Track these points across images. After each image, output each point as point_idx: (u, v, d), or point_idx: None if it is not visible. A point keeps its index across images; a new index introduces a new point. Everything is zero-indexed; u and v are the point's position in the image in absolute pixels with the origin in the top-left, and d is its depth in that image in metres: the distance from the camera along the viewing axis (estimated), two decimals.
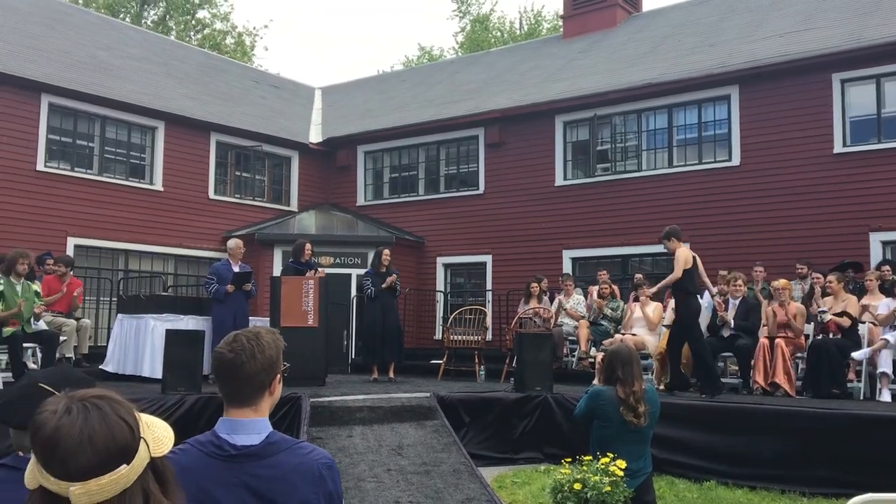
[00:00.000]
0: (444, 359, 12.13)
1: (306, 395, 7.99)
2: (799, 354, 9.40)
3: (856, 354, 8.87)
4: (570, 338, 11.93)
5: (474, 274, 16.50)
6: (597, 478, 4.47)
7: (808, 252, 11.69)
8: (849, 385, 9.01)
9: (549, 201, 15.25)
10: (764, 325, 9.62)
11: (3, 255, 9.86)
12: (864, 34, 12.67)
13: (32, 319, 9.16)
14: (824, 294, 9.59)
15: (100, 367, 10.61)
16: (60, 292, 10.46)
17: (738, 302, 9.78)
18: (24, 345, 9.00)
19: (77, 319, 10.97)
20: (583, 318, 11.78)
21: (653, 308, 10.42)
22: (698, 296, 9.05)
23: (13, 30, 15.32)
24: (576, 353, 11.70)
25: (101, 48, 17.26)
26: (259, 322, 10.81)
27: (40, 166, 13.60)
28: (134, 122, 15.16)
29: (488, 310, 13.98)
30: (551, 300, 12.54)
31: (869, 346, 8.93)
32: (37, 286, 9.51)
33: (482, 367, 11.79)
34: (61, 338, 9.91)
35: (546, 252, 14.94)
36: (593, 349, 11.24)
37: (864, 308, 9.30)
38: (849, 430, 7.03)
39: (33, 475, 1.32)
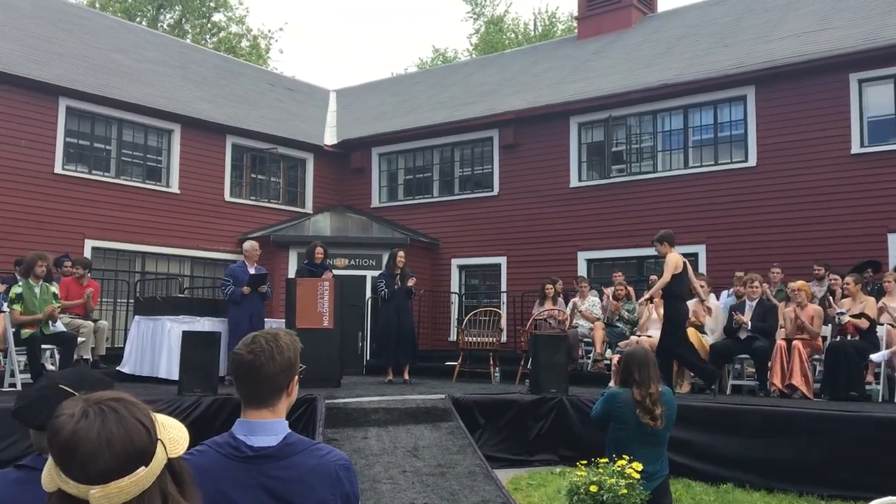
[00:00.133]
0: (459, 360, 12.12)
1: (321, 397, 8.01)
2: (816, 356, 9.33)
3: (874, 356, 8.79)
4: (586, 339, 11.90)
5: (489, 276, 16.49)
6: (613, 480, 4.45)
7: (825, 253, 11.60)
8: (867, 387, 8.92)
9: (563, 203, 15.21)
10: (781, 327, 9.55)
11: (21, 257, 9.97)
12: (881, 34, 12.57)
13: (50, 321, 9.24)
14: (842, 296, 9.51)
15: (117, 368, 10.69)
16: (82, 299, 10.54)
17: (754, 303, 9.71)
18: (42, 346, 9.08)
19: (94, 321, 11.05)
20: (598, 319, 11.74)
21: None
22: (686, 301, 9.20)
23: (31, 34, 15.46)
24: (591, 355, 11.67)
25: (118, 52, 17.39)
26: (275, 324, 10.86)
27: (58, 169, 13.72)
28: (150, 125, 15.27)
29: (503, 311, 13.96)
30: (566, 302, 12.51)
31: (887, 347, 8.84)
32: (55, 288, 9.58)
33: (497, 368, 11.77)
34: (79, 339, 9.99)
35: (561, 254, 14.92)
36: (608, 351, 11.22)
37: (883, 309, 9.22)
38: (867, 432, 6.97)
39: (51, 478, 1.33)
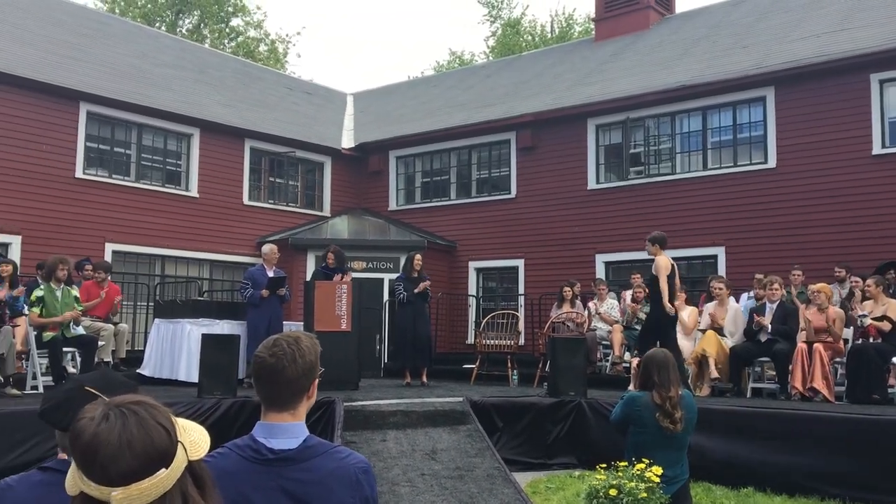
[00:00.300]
0: (477, 363, 12.11)
1: (340, 399, 8.03)
2: (838, 359, 9.23)
3: None
4: (604, 342, 11.85)
5: (506, 278, 16.46)
6: (633, 484, 4.43)
7: (846, 255, 11.48)
8: (889, 390, 8.82)
9: (581, 205, 15.17)
10: (802, 330, 9.47)
11: (43, 261, 10.07)
12: None
13: (72, 324, 9.32)
14: (864, 298, 9.41)
15: (137, 371, 10.76)
16: (99, 298, 10.64)
17: (775, 306, 9.64)
18: (64, 349, 9.16)
19: (115, 324, 11.14)
20: (616, 322, 11.69)
21: (688, 313, 10.31)
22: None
23: (53, 40, 15.63)
24: (609, 358, 11.62)
25: (137, 57, 17.54)
26: (293, 326, 10.89)
27: (79, 173, 13.85)
28: (170, 130, 15.38)
29: (521, 314, 13.93)
30: (584, 305, 12.47)
31: None
32: (76, 291, 9.67)
33: (515, 371, 11.75)
34: (99, 342, 10.07)
35: (579, 256, 14.87)
36: (627, 354, 11.16)
37: None
38: (890, 436, 6.89)
39: (74, 481, 1.34)
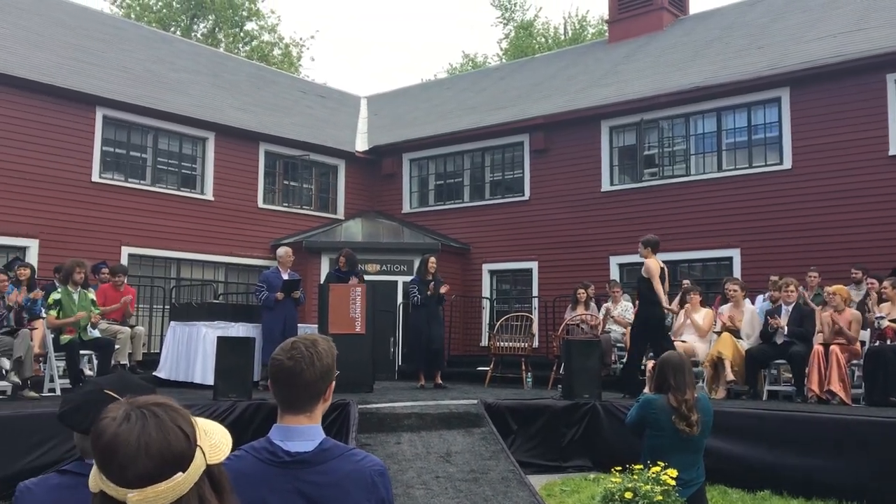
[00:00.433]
0: (491, 366, 12.10)
1: (354, 402, 8.05)
2: (855, 361, 9.16)
3: None
4: (619, 345, 11.81)
5: (520, 280, 16.45)
6: (648, 487, 4.41)
7: (863, 257, 11.40)
8: None
9: (595, 207, 15.14)
10: (819, 332, 9.40)
11: (60, 264, 10.15)
12: None
13: (88, 327, 9.39)
14: (880, 300, 9.34)
15: (153, 373, 10.83)
16: (119, 303, 10.72)
17: (791, 308, 9.57)
18: (81, 352, 9.23)
19: (131, 327, 11.21)
20: (631, 324, 11.64)
21: (703, 315, 10.27)
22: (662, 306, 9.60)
23: (69, 45, 15.76)
24: (624, 360, 11.57)
25: (153, 61, 17.66)
26: (308, 329, 10.93)
27: (95, 177, 13.96)
28: (185, 134, 15.47)
29: (535, 317, 13.92)
30: (598, 307, 12.43)
31: None
32: (92, 294, 9.74)
33: (529, 374, 11.73)
34: (116, 345, 10.14)
35: (593, 258, 14.84)
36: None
37: None
38: None
39: (95, 480, 1.35)
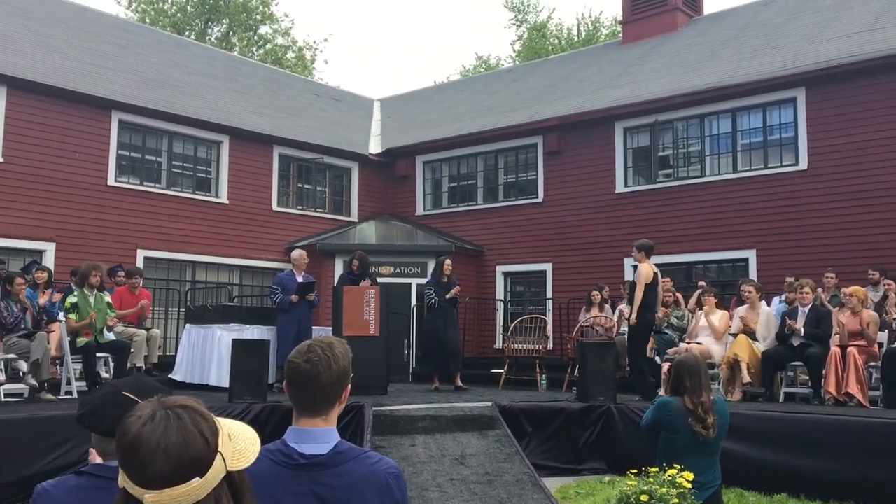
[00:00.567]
0: (505, 368, 12.08)
1: (369, 404, 8.05)
2: (872, 363, 9.08)
3: None
4: None
5: (534, 282, 16.42)
6: (664, 490, 4.39)
7: (880, 258, 11.29)
8: None
9: (609, 208, 15.09)
10: (835, 334, 9.33)
11: (77, 267, 10.23)
12: None
13: (104, 330, 9.45)
14: None
15: (169, 376, 10.88)
16: (137, 307, 10.78)
17: (807, 309, 9.50)
18: (97, 355, 9.29)
19: (147, 330, 11.27)
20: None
21: (718, 317, 10.20)
22: (655, 310, 9.80)
23: (85, 50, 15.88)
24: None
25: (168, 65, 17.77)
26: (322, 331, 10.95)
27: (111, 181, 14.06)
28: (200, 137, 15.56)
29: (549, 318, 13.88)
30: (613, 309, 12.39)
31: None
32: (108, 297, 9.81)
33: (543, 376, 11.71)
34: (131, 348, 10.20)
35: (607, 260, 14.79)
36: (657, 358, 11.07)
37: None
38: None
39: (121, 476, 1.36)
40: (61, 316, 9.44)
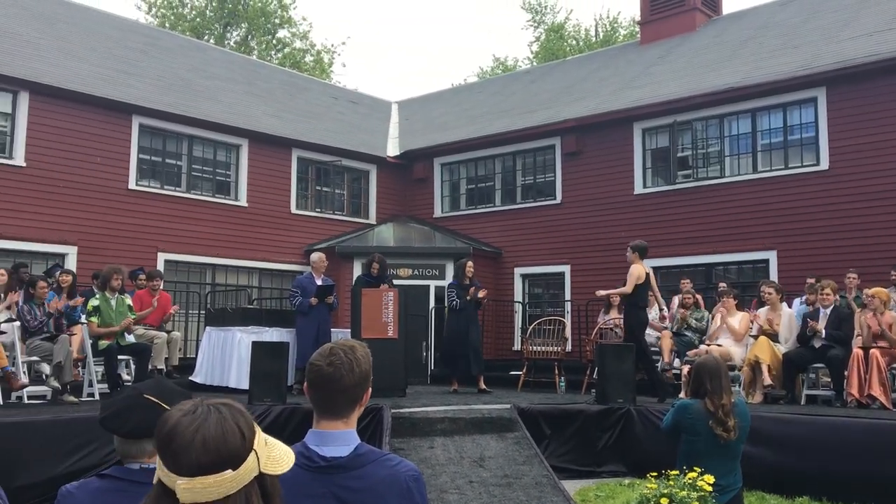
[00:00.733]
0: (524, 370, 12.06)
1: (387, 406, 8.06)
2: (895, 365, 8.98)
3: None
4: (653, 349, 11.69)
5: (552, 284, 16.38)
6: (684, 493, 4.36)
7: None
8: None
9: (628, 210, 15.03)
10: (858, 335, 9.23)
11: (98, 271, 10.33)
12: None
13: (126, 332, 9.53)
14: None
15: (189, 378, 10.95)
16: (151, 308, 10.86)
17: (828, 311, 9.41)
18: (119, 357, 9.37)
19: (167, 332, 11.35)
20: (665, 328, 11.54)
21: (738, 318, 10.13)
22: (646, 309, 10.16)
23: (105, 55, 16.03)
24: (659, 365, 11.46)
25: (188, 70, 17.90)
26: (340, 334, 10.99)
27: (132, 185, 14.18)
28: (219, 141, 15.66)
29: (567, 320, 13.84)
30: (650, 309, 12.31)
31: None
32: (129, 300, 9.89)
33: (562, 378, 11.67)
34: (152, 350, 10.27)
35: (626, 262, 14.66)
36: (677, 360, 11.01)
37: None
38: None
39: (158, 467, 1.41)
40: (83, 319, 9.53)
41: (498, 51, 64.75)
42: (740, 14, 18.81)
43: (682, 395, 8.66)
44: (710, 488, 4.35)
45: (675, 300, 11.96)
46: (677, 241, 14.27)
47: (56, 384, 8.53)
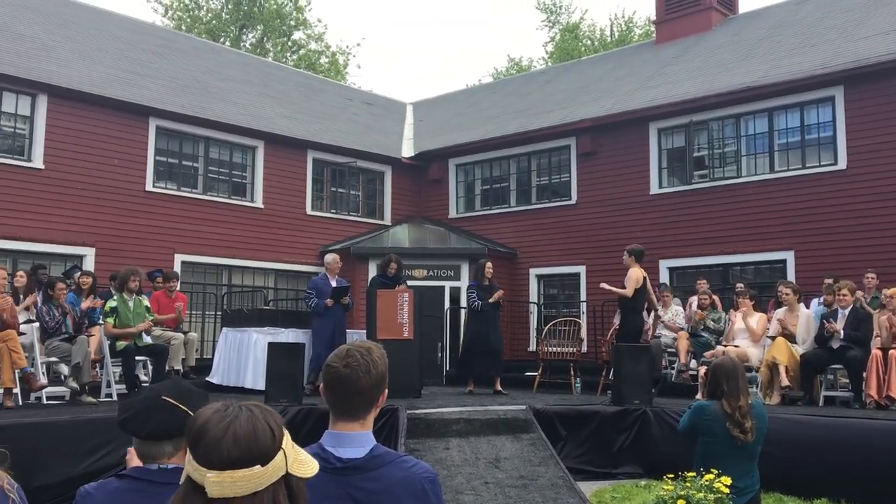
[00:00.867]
0: (539, 371, 12.04)
1: (403, 407, 8.07)
2: None
3: None
4: (669, 350, 11.65)
5: (568, 285, 16.34)
6: (701, 494, 4.34)
7: None
8: None
9: (644, 210, 14.97)
10: (876, 336, 9.15)
11: (116, 272, 10.40)
12: None
13: (143, 334, 9.60)
14: None
15: (206, 378, 11.01)
16: (174, 313, 10.94)
17: (847, 312, 9.34)
18: (136, 358, 9.43)
19: (184, 333, 11.42)
20: (682, 329, 11.49)
21: (756, 319, 10.07)
22: (644, 312, 10.39)
23: (124, 58, 16.15)
24: (675, 366, 11.42)
25: (204, 72, 18.00)
26: (356, 334, 11.02)
27: (149, 187, 14.27)
28: (235, 143, 15.73)
29: (583, 321, 13.81)
30: (648, 311, 12.28)
31: None
32: (146, 301, 9.95)
33: (578, 379, 11.64)
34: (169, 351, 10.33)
35: (642, 262, 14.62)
36: (693, 361, 10.96)
37: None
38: None
39: (186, 464, 1.44)
40: (101, 320, 9.60)
41: (513, 51, 64.75)
42: (756, 13, 18.69)
43: (698, 396, 8.62)
44: (727, 490, 4.32)
45: (692, 301, 11.91)
46: (694, 242, 14.20)
47: (74, 385, 8.60)
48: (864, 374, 8.81)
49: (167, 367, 9.92)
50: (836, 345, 9.25)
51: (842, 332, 9.17)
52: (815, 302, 10.92)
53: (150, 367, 9.69)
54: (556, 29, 38.38)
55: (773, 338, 9.73)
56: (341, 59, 37.52)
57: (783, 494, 7.23)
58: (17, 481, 2.04)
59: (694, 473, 4.53)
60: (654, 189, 14.96)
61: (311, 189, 16.83)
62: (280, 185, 16.20)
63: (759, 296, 11.65)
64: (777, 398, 9.27)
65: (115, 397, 9.29)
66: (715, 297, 11.72)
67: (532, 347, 15.34)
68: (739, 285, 11.56)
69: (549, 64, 35.16)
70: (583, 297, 15.50)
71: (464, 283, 15.45)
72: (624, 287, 9.89)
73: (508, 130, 17.34)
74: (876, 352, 8.75)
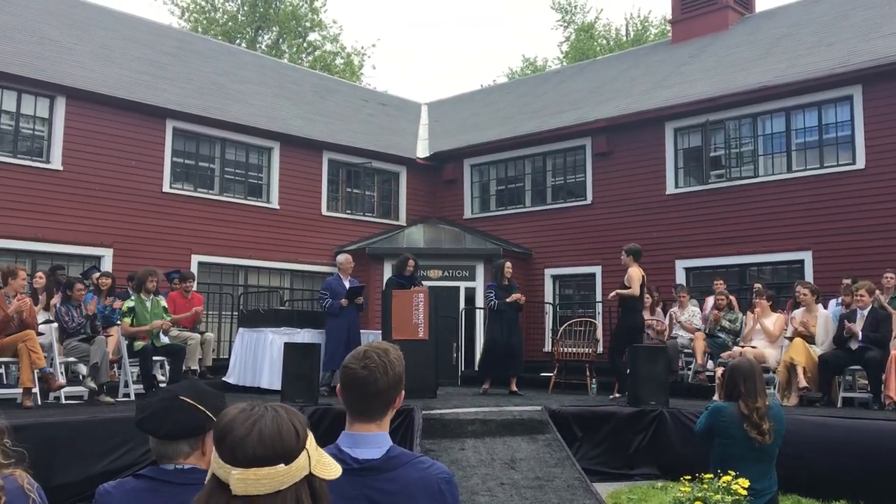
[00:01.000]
0: (555, 371, 12.02)
1: (418, 408, 8.07)
2: None
3: None
4: (686, 350, 11.60)
5: (583, 285, 16.30)
6: (718, 496, 4.31)
7: None
8: None
9: (660, 210, 14.91)
10: (895, 337, 9.06)
11: (133, 273, 10.48)
12: None
13: (160, 334, 9.66)
14: None
15: (222, 378, 11.06)
16: (192, 311, 11.01)
17: (865, 312, 9.25)
18: (153, 358, 9.50)
19: (201, 333, 11.48)
20: (698, 330, 11.43)
21: (773, 320, 10.00)
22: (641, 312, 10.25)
23: (141, 60, 16.26)
24: (692, 367, 11.36)
25: (220, 74, 18.09)
26: (371, 335, 11.04)
27: (166, 188, 14.36)
28: (251, 144, 15.81)
29: (598, 322, 13.76)
30: (665, 312, 12.23)
31: None
32: (164, 302, 10.01)
33: (594, 380, 11.60)
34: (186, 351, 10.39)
35: (658, 262, 14.57)
36: (710, 362, 10.90)
37: None
38: None
39: (211, 462, 1.46)
40: (119, 320, 9.67)
41: (528, 51, 64.66)
42: (773, 12, 18.56)
43: (715, 397, 8.57)
44: (744, 492, 4.30)
45: (709, 301, 11.85)
46: (710, 242, 14.12)
47: (93, 385, 8.67)
48: (883, 376, 8.73)
49: (184, 367, 9.97)
50: (854, 346, 9.18)
51: (860, 333, 9.09)
52: (833, 302, 10.82)
53: (167, 367, 9.75)
54: (572, 29, 38.28)
55: (790, 338, 9.66)
56: (356, 60, 37.60)
57: (801, 496, 7.17)
58: (37, 480, 2.06)
59: (711, 475, 4.51)
60: (671, 189, 14.89)
61: (327, 190, 16.88)
62: (295, 186, 16.26)
63: (776, 296, 11.57)
64: (795, 399, 9.20)
65: (132, 397, 9.36)
66: (732, 298, 11.64)
67: (547, 348, 15.31)
68: (757, 286, 11.48)
69: (565, 64, 35.07)
70: (598, 297, 15.45)
71: (479, 283, 15.45)
72: (628, 287, 9.81)
73: (523, 130, 17.32)
74: (895, 353, 8.67)
